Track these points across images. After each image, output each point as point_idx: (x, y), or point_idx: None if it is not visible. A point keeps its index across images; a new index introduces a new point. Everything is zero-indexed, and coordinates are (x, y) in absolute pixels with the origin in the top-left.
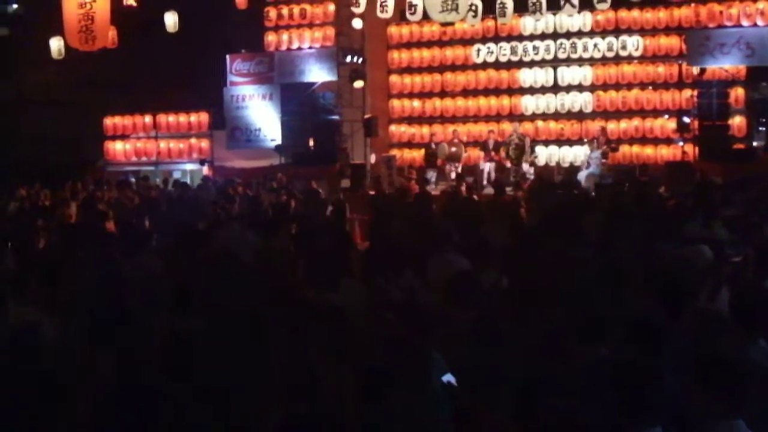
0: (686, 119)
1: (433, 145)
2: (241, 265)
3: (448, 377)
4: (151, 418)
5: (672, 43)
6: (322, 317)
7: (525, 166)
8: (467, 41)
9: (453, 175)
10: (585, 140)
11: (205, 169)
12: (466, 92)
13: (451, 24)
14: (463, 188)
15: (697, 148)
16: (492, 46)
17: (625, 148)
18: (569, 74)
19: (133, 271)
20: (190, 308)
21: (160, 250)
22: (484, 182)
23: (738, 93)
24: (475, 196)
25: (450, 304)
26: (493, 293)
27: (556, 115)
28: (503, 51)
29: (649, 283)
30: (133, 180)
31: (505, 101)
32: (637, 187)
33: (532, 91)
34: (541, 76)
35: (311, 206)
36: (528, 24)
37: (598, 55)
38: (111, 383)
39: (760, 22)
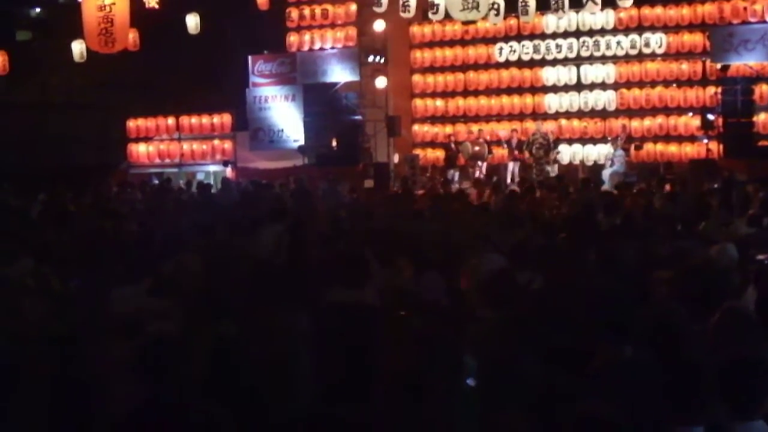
0: (710, 116)
1: (453, 145)
2: (273, 269)
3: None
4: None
5: (695, 40)
6: (351, 317)
7: (549, 165)
8: (490, 40)
9: (477, 174)
10: (608, 138)
11: (229, 171)
12: (489, 91)
13: (473, 23)
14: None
15: (721, 146)
16: (515, 44)
17: (649, 146)
18: (592, 72)
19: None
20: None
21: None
22: (508, 181)
23: (763, 90)
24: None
25: (485, 305)
26: (527, 293)
27: (580, 114)
28: (526, 49)
29: (674, 283)
30: (156, 182)
31: (528, 100)
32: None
33: (555, 89)
34: (564, 75)
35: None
36: (551, 22)
37: (621, 52)
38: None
39: None
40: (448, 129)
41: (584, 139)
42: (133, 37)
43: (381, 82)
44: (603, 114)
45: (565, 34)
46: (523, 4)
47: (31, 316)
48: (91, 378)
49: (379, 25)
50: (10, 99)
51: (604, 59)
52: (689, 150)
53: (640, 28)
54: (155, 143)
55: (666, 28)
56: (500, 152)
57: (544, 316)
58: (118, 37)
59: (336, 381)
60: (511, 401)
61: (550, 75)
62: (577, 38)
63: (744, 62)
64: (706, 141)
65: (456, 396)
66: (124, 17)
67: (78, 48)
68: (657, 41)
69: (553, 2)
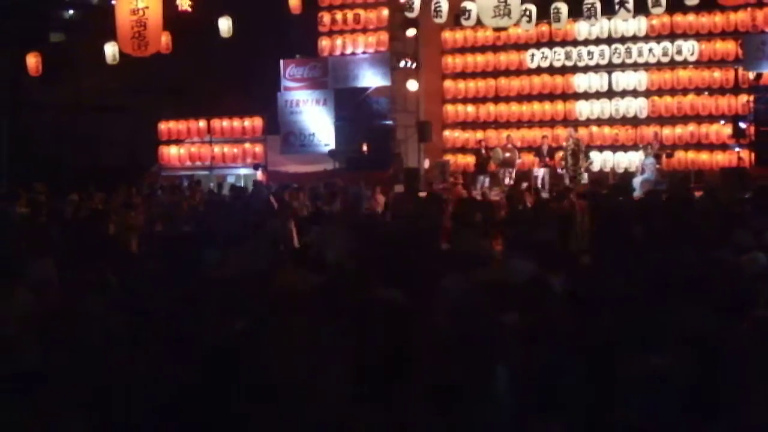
0: (742, 125)
1: (483, 151)
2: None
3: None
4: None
5: (728, 47)
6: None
7: (580, 172)
8: (521, 46)
9: (507, 181)
10: (639, 146)
11: (259, 174)
12: (520, 97)
13: (505, 29)
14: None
15: (753, 154)
16: (546, 51)
17: (680, 154)
18: (624, 79)
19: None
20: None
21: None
22: (539, 187)
23: None
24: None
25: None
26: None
27: (611, 121)
28: (557, 56)
29: (703, 292)
30: (185, 184)
31: (560, 106)
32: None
33: (586, 96)
34: (596, 81)
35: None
36: (582, 29)
37: (653, 60)
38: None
39: None
40: (479, 135)
41: (615, 147)
42: (165, 40)
43: (412, 87)
44: (634, 121)
45: (597, 41)
46: (556, 10)
47: (92, 311)
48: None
49: (410, 30)
50: (42, 100)
51: (635, 66)
52: (720, 158)
53: (672, 36)
54: (186, 146)
55: (698, 36)
56: (530, 159)
57: (576, 322)
58: (150, 40)
59: (367, 383)
60: (544, 409)
61: (581, 82)
62: (609, 45)
63: None
64: (737, 149)
65: (488, 403)
66: (157, 20)
67: (111, 50)
68: (689, 48)
69: (586, 9)
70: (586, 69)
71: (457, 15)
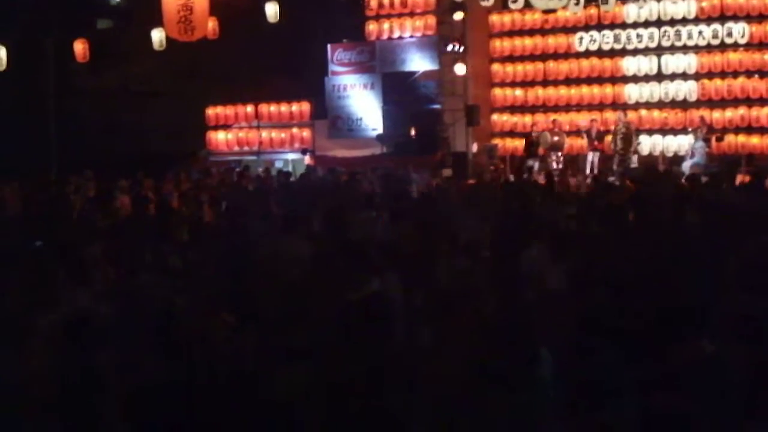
0: None
1: (534, 135)
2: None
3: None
4: None
5: None
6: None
7: (630, 156)
8: (570, 29)
9: (555, 165)
10: (689, 129)
11: (307, 159)
12: (569, 81)
13: (554, 12)
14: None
15: None
16: (595, 33)
17: (730, 138)
18: (673, 62)
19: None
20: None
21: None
22: (587, 172)
23: None
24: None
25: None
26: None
27: (660, 104)
28: (606, 39)
29: (751, 278)
30: (237, 169)
31: (608, 90)
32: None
33: (635, 79)
34: (645, 65)
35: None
36: (631, 11)
37: (702, 42)
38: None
39: None
40: (527, 119)
41: (664, 130)
42: (212, 25)
43: (460, 70)
44: (684, 105)
45: (646, 24)
46: None
47: (152, 292)
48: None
49: (458, 14)
50: (90, 86)
51: (685, 49)
52: None
53: (722, 18)
54: (234, 131)
55: (749, 18)
56: (579, 143)
57: (622, 307)
58: (197, 25)
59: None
60: (587, 393)
61: (630, 65)
62: (659, 27)
63: None
64: None
65: (532, 387)
66: (203, 5)
67: (158, 36)
68: (740, 31)
69: None
70: (635, 52)
71: None
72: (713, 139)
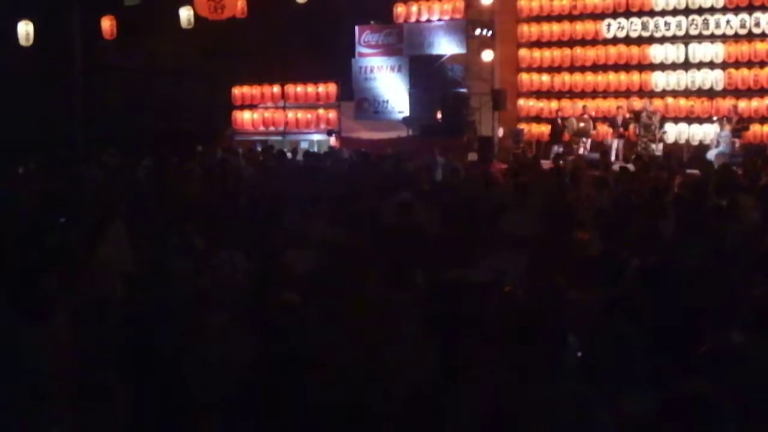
0: None
1: (559, 120)
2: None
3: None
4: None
5: None
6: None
7: (653, 143)
8: (598, 16)
9: (581, 151)
10: (715, 118)
11: (333, 140)
12: (596, 67)
13: None
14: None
15: None
16: (623, 21)
17: (756, 128)
18: (701, 51)
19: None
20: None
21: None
22: (612, 158)
23: None
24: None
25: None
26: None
27: (687, 93)
28: (634, 26)
29: None
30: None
31: (635, 77)
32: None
33: (662, 67)
34: (672, 53)
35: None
36: None
37: (730, 31)
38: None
39: None
40: (554, 104)
41: (690, 119)
42: (240, 4)
43: (487, 55)
44: (710, 93)
45: (674, 12)
46: None
47: (175, 273)
48: None
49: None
50: (117, 64)
51: (712, 38)
52: None
53: (750, 8)
54: (260, 111)
55: None
56: (604, 129)
57: (650, 296)
58: (227, 3)
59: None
60: (615, 381)
61: (657, 53)
62: (686, 16)
63: None
64: None
65: (561, 374)
66: None
67: (185, 14)
68: (767, 21)
69: None
70: (662, 40)
71: None
72: (741, 129)
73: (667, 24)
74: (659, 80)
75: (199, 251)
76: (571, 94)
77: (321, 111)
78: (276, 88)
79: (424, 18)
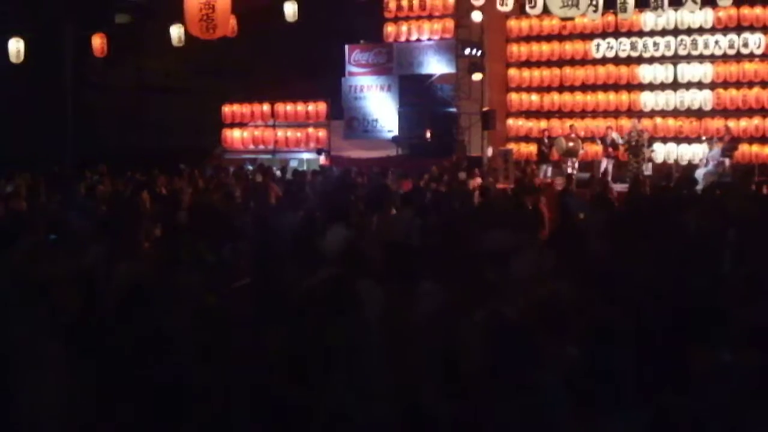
0: None
1: (546, 140)
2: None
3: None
4: None
5: None
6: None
7: (642, 164)
8: (587, 36)
9: (569, 170)
10: (704, 138)
11: (322, 159)
12: (585, 87)
13: (571, 18)
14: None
15: None
16: (612, 41)
17: (744, 148)
18: (689, 71)
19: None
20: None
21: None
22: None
23: None
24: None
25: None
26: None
27: (675, 112)
28: (623, 46)
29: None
30: (250, 168)
31: (624, 97)
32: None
33: (651, 87)
34: (661, 73)
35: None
36: (649, 20)
37: (719, 52)
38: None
39: None
40: (543, 124)
41: (679, 139)
42: (231, 23)
43: (477, 75)
44: (699, 113)
45: (663, 32)
46: (622, 1)
47: (184, 288)
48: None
49: (476, 17)
50: (107, 81)
51: (701, 58)
52: None
53: (739, 28)
54: (250, 129)
55: (765, 29)
56: (594, 149)
57: (642, 312)
58: (219, 23)
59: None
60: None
61: (646, 73)
62: (675, 36)
63: None
64: None
65: (559, 390)
66: (225, 4)
67: (176, 32)
68: (756, 41)
69: (653, 0)
70: (651, 60)
71: (522, 4)
72: (732, 149)
73: (656, 44)
74: (648, 100)
75: (208, 265)
76: (560, 113)
77: (311, 130)
78: (266, 107)
79: (414, 38)
